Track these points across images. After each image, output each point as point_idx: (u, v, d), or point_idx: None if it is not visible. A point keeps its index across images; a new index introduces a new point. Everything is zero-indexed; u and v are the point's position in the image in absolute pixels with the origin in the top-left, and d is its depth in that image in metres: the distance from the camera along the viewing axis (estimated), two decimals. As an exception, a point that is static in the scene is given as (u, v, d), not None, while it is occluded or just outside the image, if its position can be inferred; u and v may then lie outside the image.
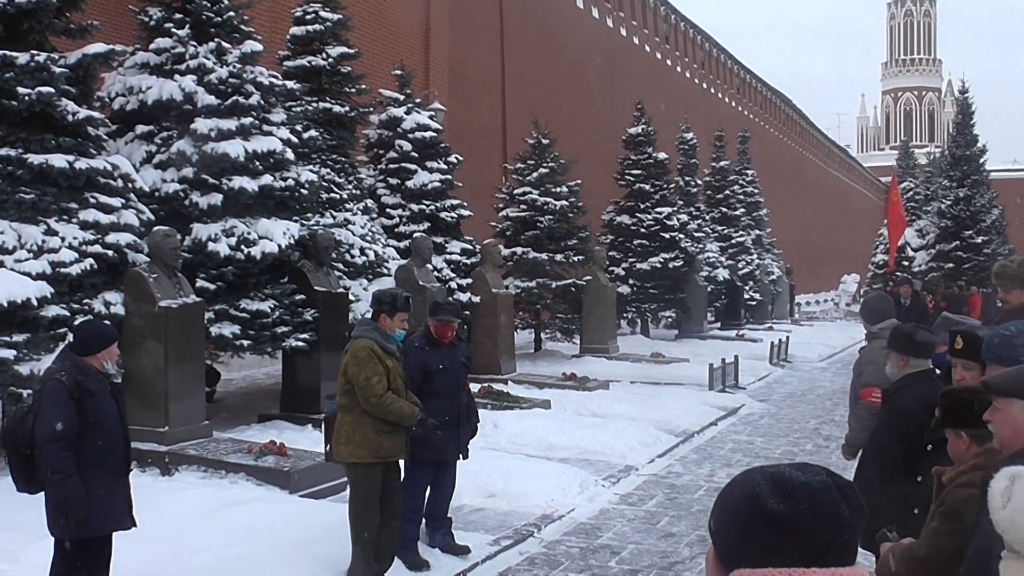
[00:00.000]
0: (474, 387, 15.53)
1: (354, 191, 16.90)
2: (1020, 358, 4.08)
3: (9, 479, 5.96)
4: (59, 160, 11.05)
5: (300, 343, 13.36)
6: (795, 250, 61.14)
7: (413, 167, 19.12)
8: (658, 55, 53.34)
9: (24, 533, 7.07)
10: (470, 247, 19.74)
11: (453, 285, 18.41)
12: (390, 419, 6.98)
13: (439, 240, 18.82)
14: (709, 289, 32.27)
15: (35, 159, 10.95)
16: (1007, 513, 2.76)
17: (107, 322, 9.41)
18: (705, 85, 60.91)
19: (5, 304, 9.96)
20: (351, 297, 14.72)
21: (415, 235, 17.44)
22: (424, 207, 19.05)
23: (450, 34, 32.37)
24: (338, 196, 16.27)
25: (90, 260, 11.02)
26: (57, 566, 5.89)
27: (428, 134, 19.36)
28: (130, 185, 12.16)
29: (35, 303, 10.22)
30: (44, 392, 5.83)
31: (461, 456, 8.25)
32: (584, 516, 9.72)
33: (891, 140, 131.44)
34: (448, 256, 19.04)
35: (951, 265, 38.36)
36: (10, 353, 10.11)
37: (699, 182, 36.61)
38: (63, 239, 10.91)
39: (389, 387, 7.04)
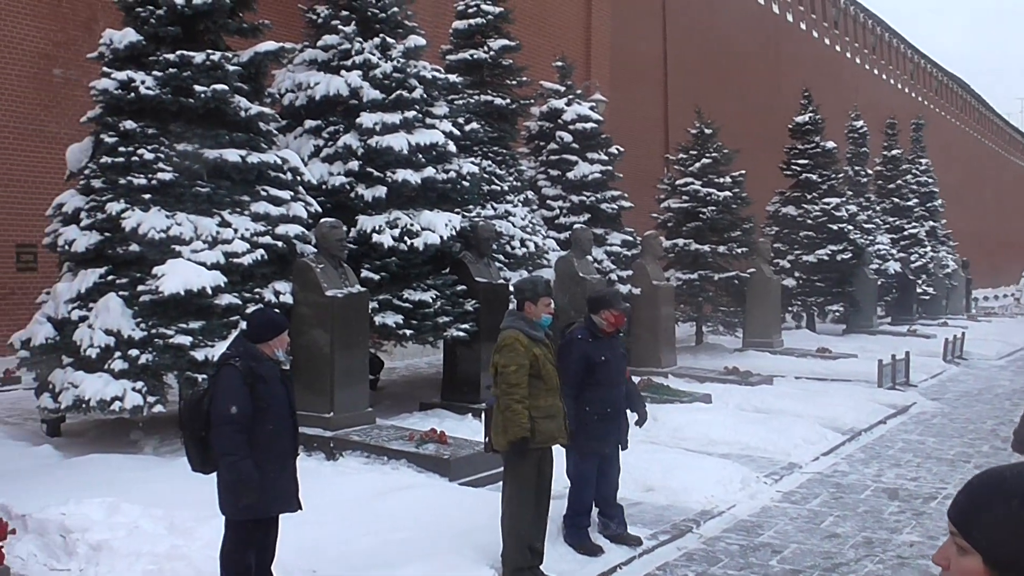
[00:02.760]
0: (634, 379, 15.51)
1: (515, 183, 17.00)
2: None
3: (185, 459, 6.20)
4: (232, 155, 11.49)
5: (461, 333, 13.53)
6: (972, 242, 58.47)
7: (574, 158, 19.10)
8: (826, 40, 51.83)
9: (198, 511, 7.35)
10: (631, 238, 19.60)
11: (613, 277, 18.32)
12: (506, 413, 6.94)
13: (599, 231, 18.74)
14: (879, 282, 31.20)
15: (210, 154, 11.41)
16: None
17: (277, 310, 9.75)
18: (876, 71, 58.87)
19: (182, 292, 10.43)
20: (511, 288, 14.80)
21: (575, 226, 17.40)
22: (584, 198, 19.02)
23: (612, 24, 32.21)
24: (499, 188, 16.40)
25: (261, 251, 11.43)
26: (227, 544, 6.10)
27: (589, 125, 19.30)
28: (298, 178, 12.54)
29: (210, 292, 10.66)
30: (219, 377, 6.03)
31: (621, 446, 8.24)
32: (745, 513, 9.51)
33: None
34: (608, 247, 18.95)
35: None
36: (186, 339, 10.59)
37: (869, 172, 35.41)
38: (236, 230, 11.34)
39: (539, 374, 7.02)
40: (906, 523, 9.19)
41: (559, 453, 7.66)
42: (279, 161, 12.14)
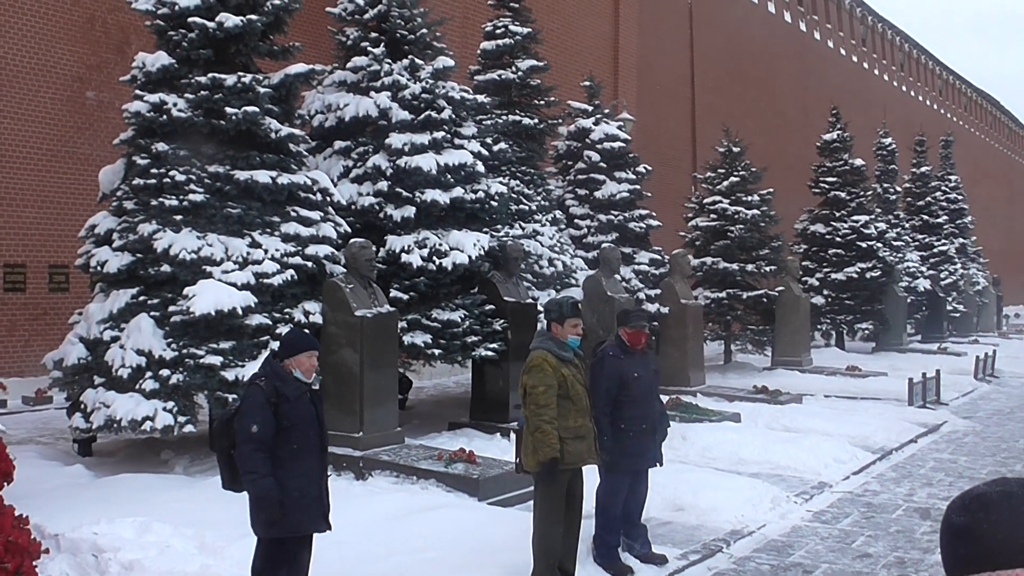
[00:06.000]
0: (663, 399, 15.46)
1: (543, 202, 17.04)
2: None
3: (215, 478, 6.24)
4: (263, 176, 11.58)
5: (489, 352, 13.54)
6: (1003, 259, 57.94)
7: (601, 177, 19.14)
8: (854, 58, 51.69)
9: (229, 530, 7.39)
10: (659, 257, 19.59)
11: (641, 296, 18.31)
12: (535, 434, 6.94)
13: (627, 250, 18.75)
14: (909, 300, 30.97)
15: (241, 175, 11.52)
16: None
17: (307, 331, 9.79)
18: (904, 88, 58.62)
19: (213, 313, 10.50)
20: (540, 308, 14.82)
21: (603, 245, 17.41)
22: (612, 217, 19.04)
23: (639, 44, 32.26)
24: (527, 207, 16.44)
25: (291, 271, 11.49)
26: (257, 562, 6.12)
27: (617, 144, 19.33)
28: (328, 199, 12.62)
29: (240, 312, 10.73)
30: (244, 396, 6.10)
31: (657, 463, 8.22)
32: (775, 533, 9.45)
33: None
34: (636, 266, 18.95)
35: None
36: (217, 360, 10.65)
37: (898, 189, 35.22)
38: (266, 251, 11.42)
39: (568, 395, 7.03)
40: (939, 543, 9.08)
41: (590, 472, 7.64)
42: (309, 182, 12.23)
